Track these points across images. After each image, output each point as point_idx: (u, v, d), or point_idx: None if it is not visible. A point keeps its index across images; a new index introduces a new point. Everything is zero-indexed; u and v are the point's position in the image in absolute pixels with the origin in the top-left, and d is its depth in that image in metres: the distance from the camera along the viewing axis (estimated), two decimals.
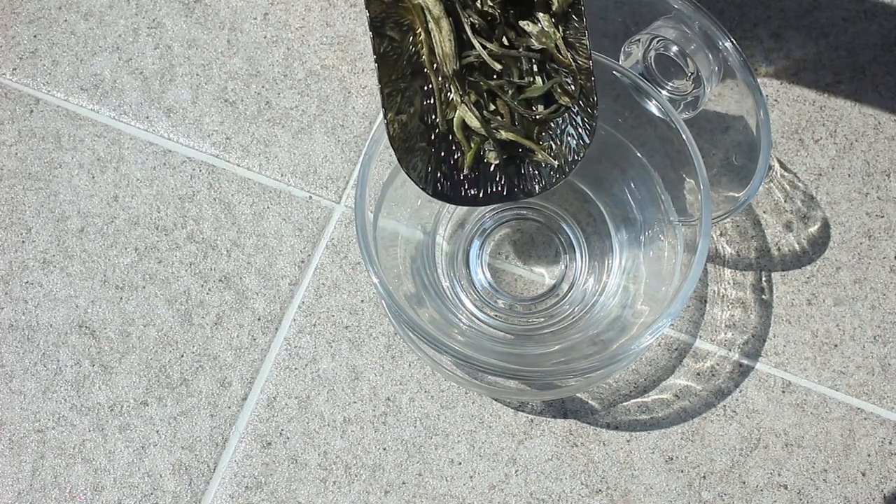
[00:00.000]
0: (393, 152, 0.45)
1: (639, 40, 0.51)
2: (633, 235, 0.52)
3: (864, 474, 0.50)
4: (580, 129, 0.45)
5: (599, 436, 0.51)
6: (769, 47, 0.57)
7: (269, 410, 0.51)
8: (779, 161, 0.55)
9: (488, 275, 0.53)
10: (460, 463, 0.51)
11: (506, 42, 0.45)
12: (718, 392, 0.51)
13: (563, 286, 0.53)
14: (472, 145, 0.46)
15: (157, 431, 0.51)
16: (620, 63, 0.52)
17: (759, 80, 0.55)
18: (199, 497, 0.50)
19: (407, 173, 0.45)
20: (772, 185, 0.55)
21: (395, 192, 0.49)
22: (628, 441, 0.51)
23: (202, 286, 0.53)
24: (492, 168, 0.46)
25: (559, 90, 0.45)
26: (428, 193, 0.45)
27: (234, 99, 0.56)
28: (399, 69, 0.45)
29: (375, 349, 0.52)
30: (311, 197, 0.55)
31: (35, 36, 0.58)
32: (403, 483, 0.50)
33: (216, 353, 0.52)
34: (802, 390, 0.52)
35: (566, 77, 0.45)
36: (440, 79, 0.45)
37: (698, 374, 0.52)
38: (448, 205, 0.51)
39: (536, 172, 0.45)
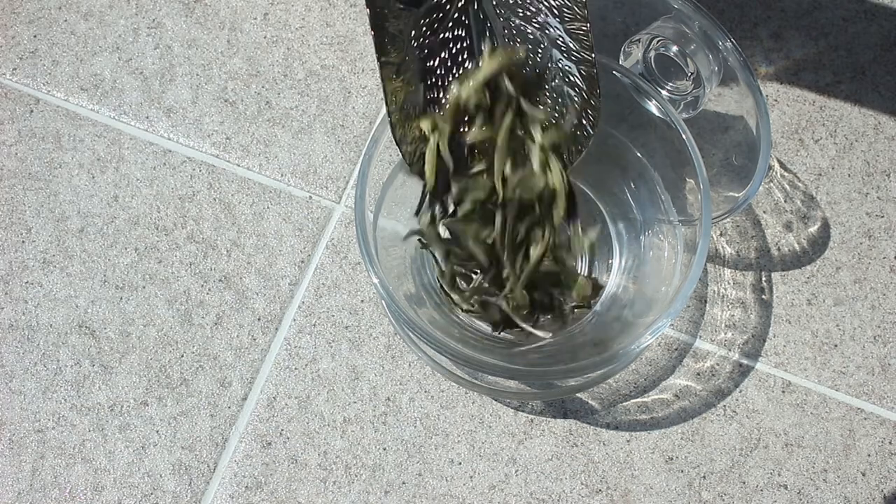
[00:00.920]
0: (398, 147, 0.45)
1: (639, 40, 0.51)
2: (633, 235, 0.52)
3: (864, 474, 0.50)
4: (584, 120, 0.45)
5: (599, 436, 0.51)
6: (769, 47, 0.57)
7: (269, 410, 0.51)
8: (779, 161, 0.55)
9: None
10: (460, 463, 0.51)
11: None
12: (718, 392, 0.51)
13: None
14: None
15: (157, 431, 0.51)
16: (620, 63, 0.53)
17: (759, 80, 0.55)
18: (199, 497, 0.50)
19: (410, 167, 0.45)
20: (772, 185, 0.55)
21: (395, 192, 0.49)
22: (628, 441, 0.51)
23: (202, 286, 0.53)
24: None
25: (565, 80, 0.45)
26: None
27: (234, 99, 0.56)
28: (401, 67, 0.45)
29: (375, 349, 0.52)
30: (311, 197, 0.55)
31: (35, 36, 0.58)
32: (403, 483, 0.50)
33: (216, 353, 0.52)
34: (802, 390, 0.52)
35: (572, 66, 0.45)
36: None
37: (698, 374, 0.52)
38: None
39: None
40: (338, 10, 0.58)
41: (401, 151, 0.45)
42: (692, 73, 0.50)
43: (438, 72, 0.45)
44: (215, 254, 0.54)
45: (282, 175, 0.55)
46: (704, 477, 0.50)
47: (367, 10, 0.43)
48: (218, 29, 0.58)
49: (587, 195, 0.53)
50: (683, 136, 0.47)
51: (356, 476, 0.50)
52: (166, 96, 0.56)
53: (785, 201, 0.55)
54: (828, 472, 0.50)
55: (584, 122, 0.46)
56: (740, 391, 0.51)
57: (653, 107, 0.49)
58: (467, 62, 0.46)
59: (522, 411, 0.51)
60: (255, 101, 0.56)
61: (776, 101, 0.56)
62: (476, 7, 0.45)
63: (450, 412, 0.51)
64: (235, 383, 0.52)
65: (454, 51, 0.45)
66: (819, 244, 0.54)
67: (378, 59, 0.44)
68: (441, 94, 0.45)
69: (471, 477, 0.50)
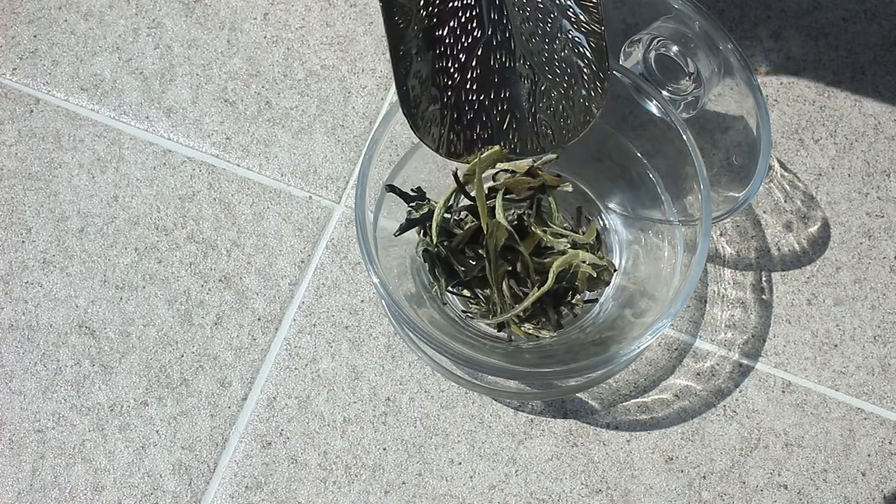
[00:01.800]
0: (406, 119, 0.45)
1: (639, 40, 0.51)
2: (633, 236, 0.52)
3: (864, 474, 0.50)
4: (592, 92, 0.46)
5: (599, 436, 0.51)
6: (769, 47, 0.57)
7: (269, 410, 0.51)
8: (779, 161, 0.55)
9: None
10: (460, 463, 0.51)
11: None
12: (718, 392, 0.51)
13: None
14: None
15: (157, 431, 0.51)
16: (620, 63, 0.53)
17: (759, 80, 0.55)
18: (199, 497, 0.50)
19: (421, 139, 0.46)
20: (772, 185, 0.55)
21: None
22: (628, 441, 0.51)
23: (202, 286, 0.53)
24: (504, 127, 0.46)
25: (574, 51, 0.46)
26: (441, 155, 0.46)
27: (234, 99, 0.56)
28: (409, 36, 0.45)
29: (375, 349, 0.52)
30: (311, 197, 0.55)
31: (35, 36, 0.58)
32: (403, 483, 0.50)
33: (216, 353, 0.52)
34: (802, 390, 0.52)
35: (582, 37, 0.46)
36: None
37: (698, 374, 0.52)
38: None
39: (550, 131, 0.46)
40: (338, 10, 0.58)
41: (409, 120, 0.45)
42: (692, 73, 0.50)
43: (447, 41, 0.45)
44: (215, 254, 0.54)
45: (282, 175, 0.55)
46: (704, 477, 0.50)
47: None
48: (218, 29, 0.58)
49: (587, 195, 0.53)
50: (683, 136, 0.47)
51: (356, 476, 0.50)
52: (166, 96, 0.56)
53: (785, 201, 0.55)
54: (828, 472, 0.50)
55: (593, 93, 0.46)
56: (740, 391, 0.51)
57: (653, 107, 0.49)
58: (476, 31, 0.46)
59: (522, 411, 0.51)
60: (255, 101, 0.56)
61: (776, 101, 0.56)
62: None
63: (450, 412, 0.51)
64: (235, 383, 0.52)
65: (463, 20, 0.45)
66: (819, 244, 0.54)
67: (386, 29, 0.44)
68: (449, 64, 0.45)
69: (471, 477, 0.50)
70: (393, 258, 0.49)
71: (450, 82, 0.45)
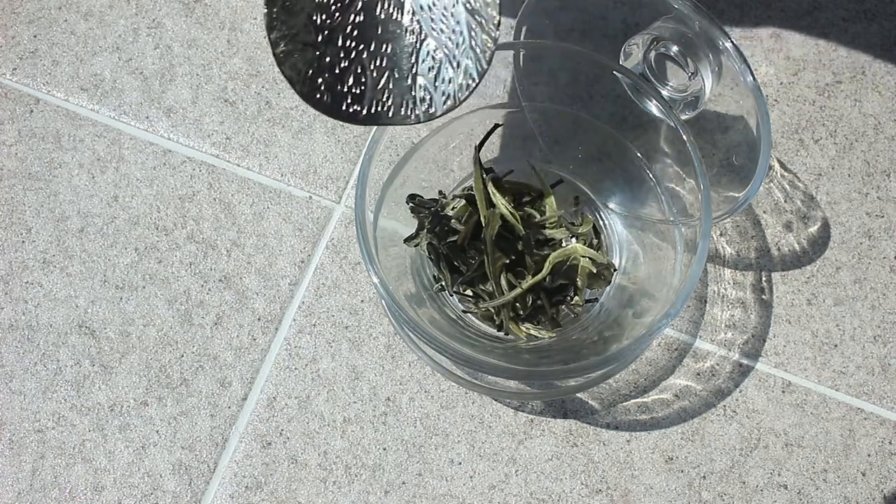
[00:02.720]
0: (268, 41, 0.41)
1: (639, 40, 0.51)
2: (633, 236, 0.52)
3: (864, 474, 0.50)
4: (480, 52, 0.41)
5: (599, 436, 0.51)
6: (769, 47, 0.57)
7: (269, 410, 0.51)
8: (779, 161, 0.55)
9: None
10: (460, 463, 0.51)
11: None
12: (718, 392, 0.51)
13: None
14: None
15: (157, 431, 0.51)
16: (620, 63, 0.53)
17: (759, 80, 0.55)
18: (199, 497, 0.50)
19: (280, 69, 0.41)
20: (772, 185, 0.55)
21: (395, 192, 0.49)
22: (628, 441, 0.51)
23: (202, 286, 0.53)
24: (380, 85, 0.42)
25: (465, 6, 0.42)
26: (302, 97, 0.41)
27: (234, 99, 0.56)
28: None
29: (375, 349, 0.52)
30: (311, 197, 0.55)
31: (35, 36, 0.58)
32: (403, 483, 0.50)
33: (216, 353, 0.52)
34: (802, 390, 0.52)
35: None
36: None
37: (698, 374, 0.52)
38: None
39: (429, 96, 0.41)
40: None
41: (274, 51, 0.40)
42: (692, 73, 0.50)
43: None
44: (215, 254, 0.54)
45: (282, 175, 0.55)
46: (704, 477, 0.50)
47: None
48: (218, 29, 0.58)
49: (586, 194, 0.53)
50: (683, 136, 0.47)
51: (356, 476, 0.50)
52: (166, 96, 0.56)
53: (785, 201, 0.55)
54: (828, 472, 0.50)
55: (480, 55, 0.42)
56: (740, 391, 0.51)
57: (653, 107, 0.49)
58: None
59: (522, 411, 0.51)
60: (255, 101, 0.56)
61: (776, 101, 0.56)
62: None
63: (450, 412, 0.51)
64: (235, 383, 0.52)
65: None
66: (819, 244, 0.54)
67: None
68: (331, 1, 0.42)
69: (471, 477, 0.50)
70: (393, 258, 0.49)
71: (329, 21, 0.41)
